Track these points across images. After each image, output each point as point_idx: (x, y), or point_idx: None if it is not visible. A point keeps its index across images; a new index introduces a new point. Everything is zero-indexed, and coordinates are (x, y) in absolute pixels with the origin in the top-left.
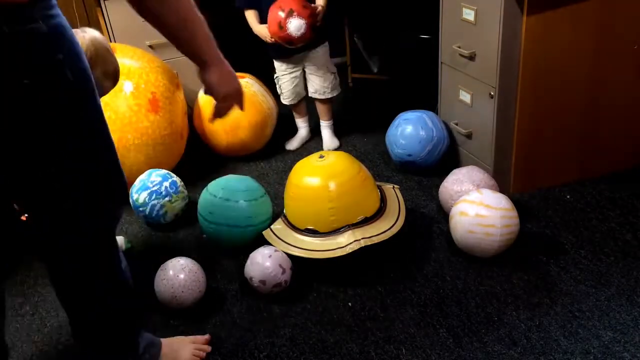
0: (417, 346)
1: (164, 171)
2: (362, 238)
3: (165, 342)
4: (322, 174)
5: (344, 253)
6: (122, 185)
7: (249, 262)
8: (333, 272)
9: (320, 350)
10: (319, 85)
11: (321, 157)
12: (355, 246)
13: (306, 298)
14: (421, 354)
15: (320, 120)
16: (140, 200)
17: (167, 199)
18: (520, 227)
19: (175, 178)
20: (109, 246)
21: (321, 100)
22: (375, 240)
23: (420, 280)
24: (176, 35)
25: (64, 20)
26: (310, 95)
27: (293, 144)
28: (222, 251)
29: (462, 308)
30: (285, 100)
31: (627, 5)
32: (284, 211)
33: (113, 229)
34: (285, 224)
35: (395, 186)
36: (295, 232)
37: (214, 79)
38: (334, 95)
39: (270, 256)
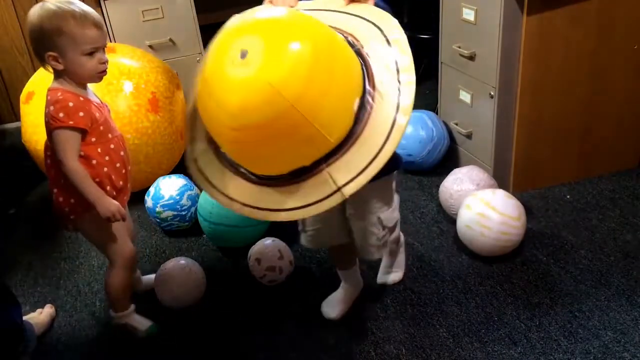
0: (417, 346)
1: (194, 192)
2: (344, 184)
3: None
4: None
5: (323, 210)
6: None
7: (255, 244)
8: (332, 272)
9: (320, 350)
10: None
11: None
12: (337, 198)
13: (306, 298)
14: (421, 354)
15: None
16: (163, 216)
17: (187, 223)
18: (523, 235)
19: (202, 201)
20: None
21: None
22: (354, 187)
23: (420, 280)
24: None
25: None
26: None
27: (332, 310)
28: (222, 251)
29: (462, 308)
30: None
31: (627, 5)
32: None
33: None
34: (214, 153)
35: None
36: (230, 168)
37: None
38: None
39: (273, 240)
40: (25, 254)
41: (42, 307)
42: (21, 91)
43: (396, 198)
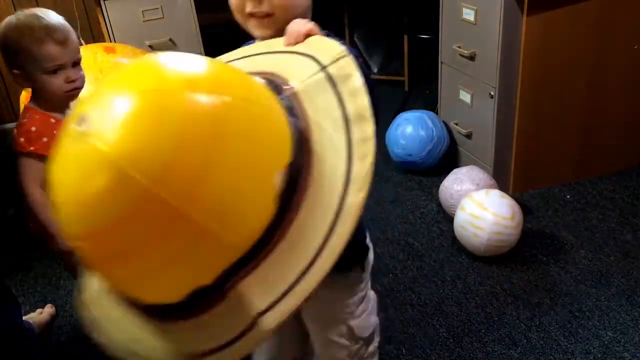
0: (417, 346)
1: None
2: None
3: None
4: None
5: (241, 356)
6: None
7: None
8: None
9: None
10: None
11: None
12: (257, 336)
13: None
14: (421, 354)
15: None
16: None
17: None
18: (519, 235)
19: None
20: None
21: None
22: (279, 316)
23: (420, 280)
24: None
25: None
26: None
27: None
28: None
29: (462, 308)
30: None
31: (627, 5)
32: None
33: None
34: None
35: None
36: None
37: None
38: None
39: None
40: (25, 254)
41: (42, 307)
42: (21, 91)
43: (372, 297)
